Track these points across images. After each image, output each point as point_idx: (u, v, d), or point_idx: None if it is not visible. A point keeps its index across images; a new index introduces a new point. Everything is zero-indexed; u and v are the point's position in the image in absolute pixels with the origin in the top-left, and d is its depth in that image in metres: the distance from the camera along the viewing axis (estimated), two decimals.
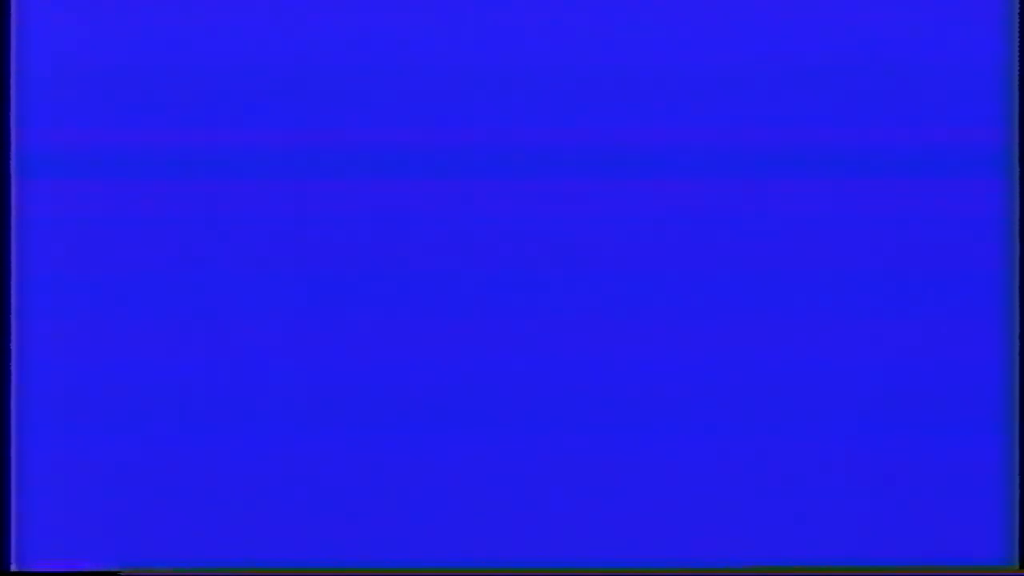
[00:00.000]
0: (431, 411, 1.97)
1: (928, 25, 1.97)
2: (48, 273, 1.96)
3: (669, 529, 1.97)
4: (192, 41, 1.96)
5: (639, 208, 1.97)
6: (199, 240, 1.96)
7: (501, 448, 1.97)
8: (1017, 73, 1.97)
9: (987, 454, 1.98)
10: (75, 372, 1.95)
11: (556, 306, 1.97)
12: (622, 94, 1.97)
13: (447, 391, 1.97)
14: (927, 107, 1.97)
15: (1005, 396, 1.98)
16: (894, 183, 1.97)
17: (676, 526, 1.97)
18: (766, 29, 1.97)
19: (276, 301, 1.96)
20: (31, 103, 1.96)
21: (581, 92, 1.97)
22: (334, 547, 1.98)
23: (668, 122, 1.96)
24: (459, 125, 1.97)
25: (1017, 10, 1.97)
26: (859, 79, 1.97)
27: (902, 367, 1.97)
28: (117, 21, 1.96)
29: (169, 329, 1.96)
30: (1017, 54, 1.97)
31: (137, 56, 1.96)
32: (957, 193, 1.97)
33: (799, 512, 1.97)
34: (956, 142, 1.97)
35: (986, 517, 1.98)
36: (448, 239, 1.97)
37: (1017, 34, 1.97)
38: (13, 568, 1.96)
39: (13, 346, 1.96)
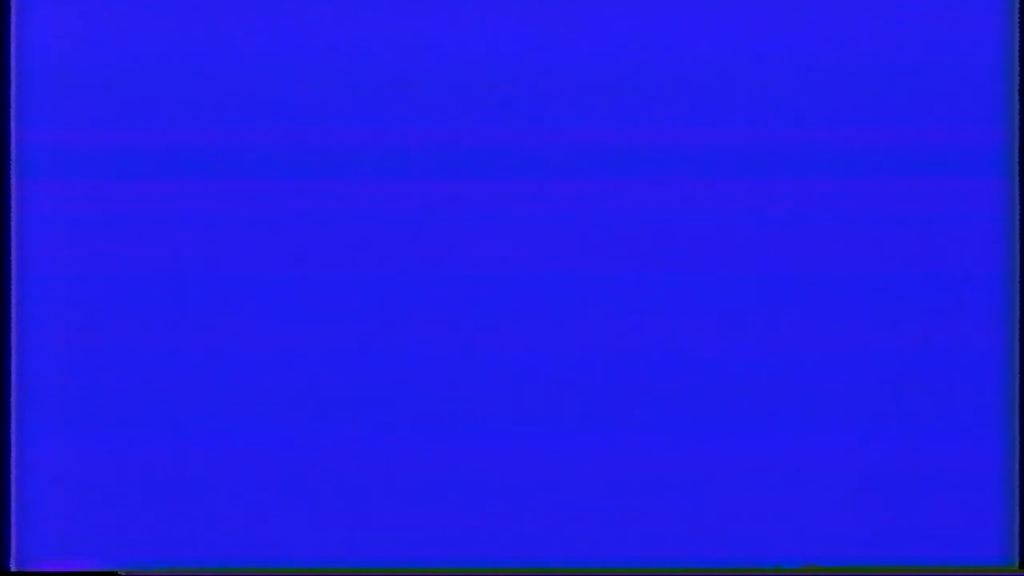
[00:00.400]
0: (431, 411, 1.97)
1: (928, 25, 1.97)
2: (48, 273, 1.96)
3: (669, 529, 1.97)
4: (192, 41, 1.96)
5: (639, 208, 1.97)
6: (199, 240, 1.96)
7: (501, 448, 1.97)
8: (1017, 73, 1.97)
9: (987, 454, 1.98)
10: (75, 372, 1.95)
11: (556, 306, 1.97)
12: (622, 94, 1.97)
13: (446, 391, 1.97)
14: (927, 107, 1.97)
15: (1005, 395, 1.98)
16: (894, 183, 1.97)
17: (676, 526, 1.97)
18: (766, 29, 1.97)
19: (276, 301, 1.96)
20: (31, 103, 1.96)
21: (581, 92, 1.97)
22: (334, 547, 1.97)
23: (668, 122, 1.96)
24: (458, 125, 1.97)
25: (1017, 10, 1.97)
26: (859, 79, 1.97)
27: (902, 367, 1.97)
28: (117, 21, 1.96)
29: (169, 329, 1.96)
30: (1017, 54, 1.97)
31: (137, 56, 1.96)
32: (957, 193, 1.97)
33: (799, 512, 1.97)
34: (956, 142, 1.97)
35: (986, 517, 1.98)
36: (448, 239, 1.97)
37: (1017, 34, 1.97)
38: (13, 568, 1.96)
39: (13, 346, 1.96)
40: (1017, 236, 1.98)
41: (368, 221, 1.96)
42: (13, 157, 1.96)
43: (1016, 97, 1.97)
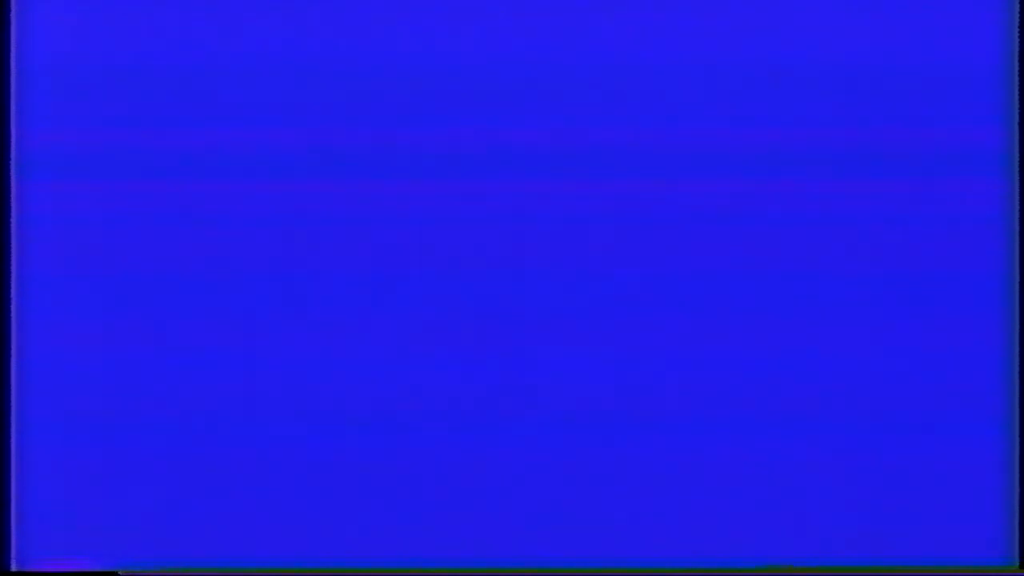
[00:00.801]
0: (431, 411, 1.97)
1: (928, 26, 1.97)
2: (48, 273, 1.96)
3: (669, 529, 1.97)
4: (192, 41, 1.96)
5: (639, 208, 1.97)
6: (199, 240, 1.96)
7: (501, 448, 1.97)
8: (1017, 73, 1.97)
9: (987, 454, 1.98)
10: (75, 372, 1.95)
11: (555, 306, 1.97)
12: (621, 95, 1.97)
13: (446, 391, 1.97)
14: (927, 107, 1.97)
15: (1005, 396, 1.98)
16: (894, 183, 1.97)
17: (676, 526, 1.97)
18: (766, 30, 1.97)
19: (276, 301, 1.96)
20: (31, 103, 1.96)
21: (580, 92, 1.97)
22: (334, 547, 1.97)
23: (669, 123, 1.96)
24: (458, 125, 1.97)
25: (1017, 10, 1.97)
26: (859, 79, 1.97)
27: (902, 367, 1.97)
28: (117, 21, 1.96)
29: (169, 329, 1.96)
30: (1017, 54, 1.97)
31: (137, 56, 1.96)
32: (957, 193, 1.97)
33: (799, 512, 1.97)
34: (956, 142, 1.97)
35: (986, 517, 1.98)
36: (447, 239, 1.97)
37: (1017, 34, 1.97)
38: (13, 568, 1.96)
39: (13, 346, 1.96)
40: (1017, 236, 1.98)
41: (368, 221, 1.96)
42: (13, 157, 1.96)
43: (1016, 97, 1.97)
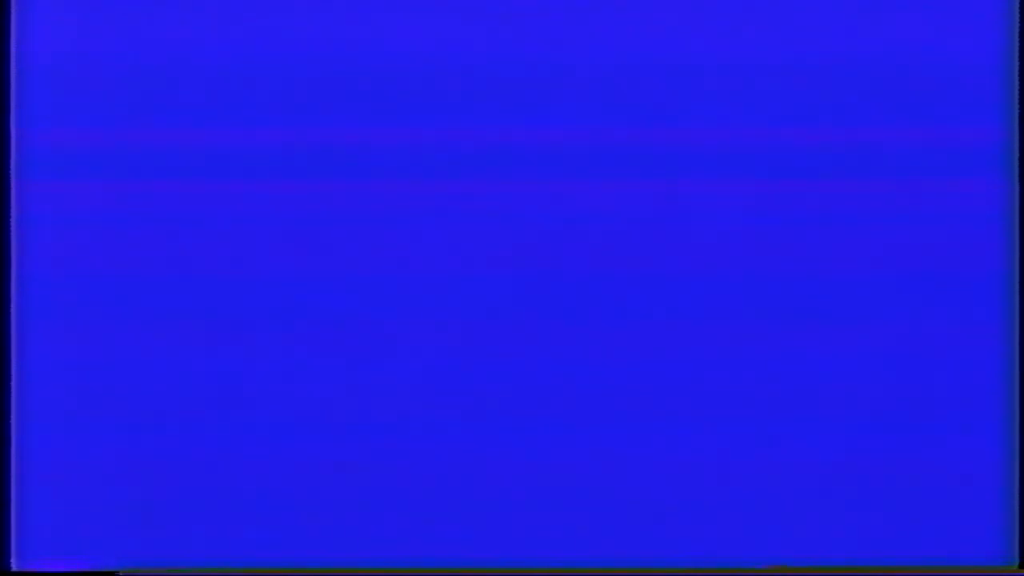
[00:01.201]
0: (430, 411, 1.97)
1: (928, 25, 1.97)
2: (48, 273, 1.96)
3: (669, 529, 1.97)
4: (192, 41, 1.96)
5: (638, 208, 1.97)
6: (199, 240, 1.96)
7: (501, 448, 1.97)
8: (1017, 73, 1.97)
9: (987, 454, 1.98)
10: (75, 372, 1.95)
11: (555, 306, 1.97)
12: (621, 95, 1.96)
13: (445, 391, 1.97)
14: (927, 107, 1.97)
15: (1005, 396, 1.98)
16: (894, 183, 1.97)
17: (676, 526, 1.97)
18: (766, 29, 1.97)
19: (276, 301, 1.96)
20: (31, 103, 1.96)
21: (580, 92, 1.97)
22: (334, 547, 1.97)
23: (668, 123, 1.96)
24: (457, 125, 1.97)
25: (1017, 10, 1.97)
26: (859, 79, 1.97)
27: (902, 367, 1.97)
28: (117, 21, 1.96)
29: (169, 329, 1.96)
30: (1017, 54, 1.97)
31: (137, 56, 1.96)
32: (957, 193, 1.97)
33: (799, 512, 1.97)
34: (956, 142, 1.97)
35: (986, 517, 1.98)
36: (446, 239, 1.97)
37: (1017, 34, 1.97)
38: (13, 568, 1.96)
39: (13, 346, 1.96)
40: (1017, 236, 1.98)
41: (368, 221, 1.96)
42: (13, 157, 1.96)
43: (1016, 97, 1.97)
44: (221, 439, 1.96)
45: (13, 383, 1.95)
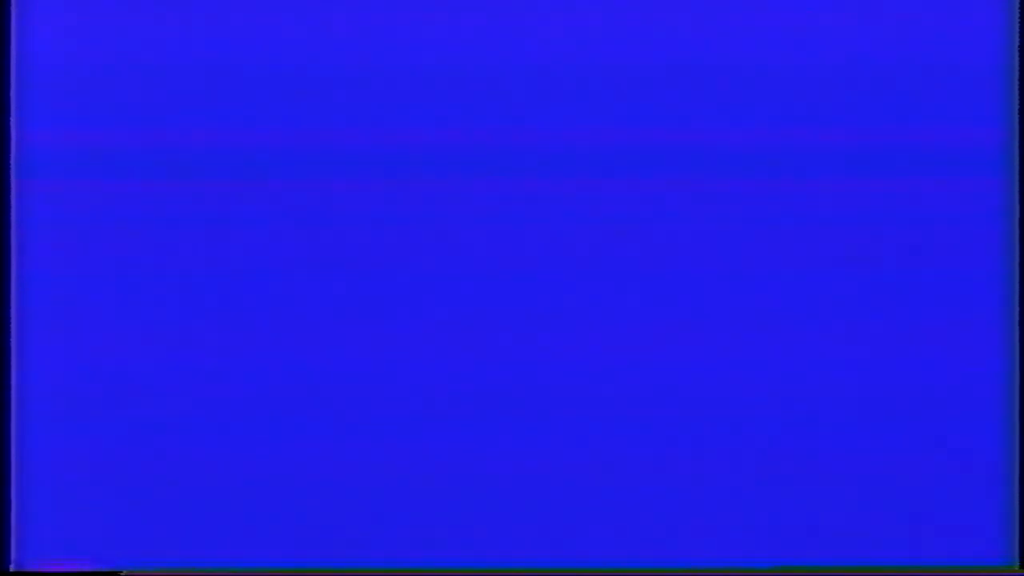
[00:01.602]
0: (430, 411, 1.97)
1: (928, 25, 1.97)
2: (48, 273, 1.96)
3: (669, 529, 1.97)
4: (192, 41, 1.96)
5: (638, 208, 1.97)
6: (199, 240, 1.96)
7: (500, 448, 1.97)
8: (1017, 73, 1.97)
9: (987, 454, 1.98)
10: (75, 372, 1.95)
11: (554, 306, 1.97)
12: (620, 94, 1.97)
13: (445, 391, 1.97)
14: (927, 107, 1.97)
15: (1005, 396, 1.97)
16: (894, 183, 1.97)
17: (676, 526, 1.97)
18: (765, 29, 1.97)
19: (276, 301, 1.96)
20: (31, 103, 1.96)
21: (579, 92, 1.97)
22: (333, 547, 1.97)
23: (668, 122, 1.96)
24: (456, 125, 1.97)
25: (1017, 10, 1.97)
26: (859, 79, 1.97)
27: (902, 367, 1.97)
28: (117, 21, 1.96)
29: (169, 329, 1.96)
30: (1017, 54, 1.97)
31: (138, 56, 1.96)
32: (957, 193, 1.97)
33: (799, 512, 1.97)
34: (956, 142, 1.97)
35: (986, 517, 1.98)
36: (446, 239, 1.97)
37: (1017, 34, 1.97)
38: (13, 568, 1.96)
39: (13, 346, 1.96)
40: (1017, 236, 1.98)
41: (368, 222, 1.96)
42: (13, 157, 1.96)
43: (1016, 97, 1.97)
44: (221, 439, 1.96)
45: (13, 383, 1.95)
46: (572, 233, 1.97)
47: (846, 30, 1.97)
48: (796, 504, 1.97)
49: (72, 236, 1.96)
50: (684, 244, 1.97)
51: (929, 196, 1.97)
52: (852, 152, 1.97)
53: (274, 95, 1.96)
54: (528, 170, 1.96)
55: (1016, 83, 1.97)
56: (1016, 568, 1.98)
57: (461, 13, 1.97)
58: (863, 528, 1.98)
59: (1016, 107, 1.97)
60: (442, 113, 1.97)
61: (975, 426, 1.97)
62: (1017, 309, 1.97)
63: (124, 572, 1.97)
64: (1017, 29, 1.97)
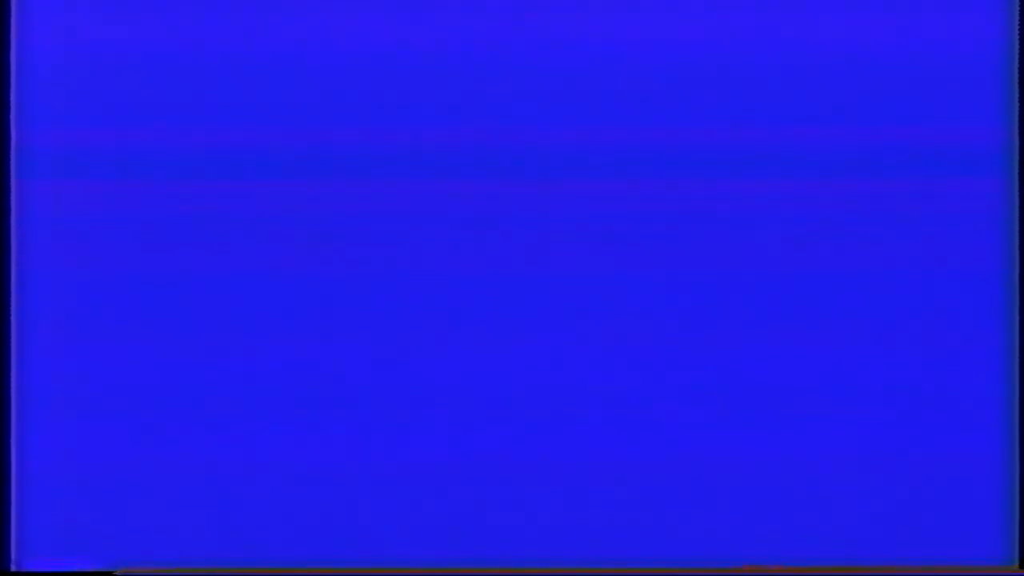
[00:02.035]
0: (430, 411, 1.97)
1: (928, 24, 1.97)
2: (48, 273, 1.96)
3: (669, 528, 1.97)
4: (193, 41, 1.96)
5: (637, 208, 1.97)
6: (199, 240, 1.96)
7: (500, 448, 1.97)
8: (1017, 73, 1.97)
9: (987, 454, 1.98)
10: (75, 372, 1.95)
11: (554, 306, 1.97)
12: (619, 94, 1.96)
13: (444, 391, 1.97)
14: (927, 107, 1.97)
15: (1005, 396, 1.97)
16: (893, 183, 1.97)
17: (676, 526, 1.97)
18: (765, 29, 1.97)
19: (276, 301, 1.96)
20: (32, 103, 1.96)
21: (579, 93, 1.97)
22: (333, 547, 1.97)
23: (667, 122, 1.96)
24: (456, 125, 1.97)
25: (1017, 10, 1.97)
26: (859, 79, 1.97)
27: (902, 367, 1.97)
28: (118, 21, 1.96)
29: (169, 329, 1.96)
30: (1017, 54, 1.97)
31: (138, 56, 1.96)
32: (957, 193, 1.97)
33: (799, 512, 1.97)
34: (956, 142, 1.97)
35: (986, 517, 1.98)
36: (446, 239, 1.97)
37: (1017, 34, 1.97)
38: (13, 568, 1.96)
39: (13, 346, 1.96)
40: (1017, 236, 1.97)
41: (368, 222, 1.96)
42: (13, 157, 1.96)
43: (1016, 97, 1.97)
44: (221, 439, 1.96)
45: (13, 383, 1.95)
46: (572, 233, 1.97)
47: (846, 30, 1.97)
48: (796, 504, 1.97)
49: (72, 236, 1.96)
50: (683, 244, 1.97)
51: (929, 196, 1.97)
52: (852, 152, 1.97)
53: (274, 95, 1.96)
54: (528, 170, 1.96)
55: (1016, 83, 1.97)
56: (1016, 568, 1.98)
57: (461, 13, 1.97)
58: (863, 528, 1.98)
59: (1016, 107, 1.97)
60: (442, 113, 1.97)
61: (975, 426, 1.97)
62: (1017, 309, 1.97)
63: (124, 572, 1.97)
64: (1017, 29, 1.97)
